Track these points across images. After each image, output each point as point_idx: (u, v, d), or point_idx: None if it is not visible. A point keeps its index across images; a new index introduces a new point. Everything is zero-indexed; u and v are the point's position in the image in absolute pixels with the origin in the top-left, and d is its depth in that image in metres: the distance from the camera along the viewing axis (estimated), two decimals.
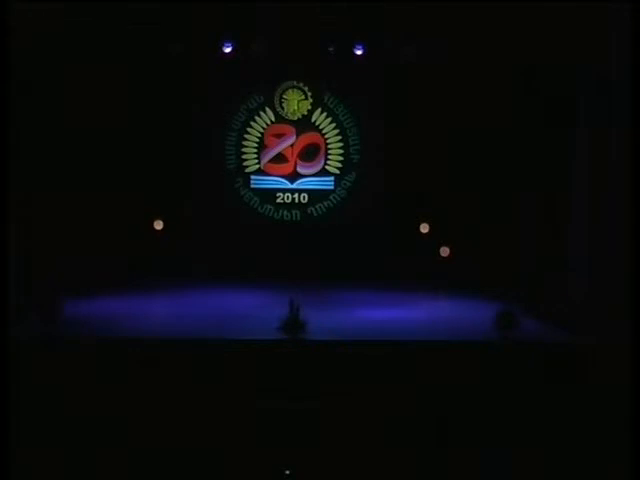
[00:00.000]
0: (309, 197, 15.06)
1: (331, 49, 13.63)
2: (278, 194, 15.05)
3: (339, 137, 15.00)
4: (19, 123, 10.33)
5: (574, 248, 11.78)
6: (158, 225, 14.48)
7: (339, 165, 15.06)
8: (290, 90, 14.92)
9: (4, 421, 6.63)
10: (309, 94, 14.94)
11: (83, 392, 8.49)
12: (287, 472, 7.29)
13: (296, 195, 15.04)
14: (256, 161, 15.04)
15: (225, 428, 7.86)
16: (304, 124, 14.94)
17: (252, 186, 15.05)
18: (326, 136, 15.00)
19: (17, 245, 10.49)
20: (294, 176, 15.01)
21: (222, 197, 14.92)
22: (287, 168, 15.01)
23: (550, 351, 9.62)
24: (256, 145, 15.02)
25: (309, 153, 14.99)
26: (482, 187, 13.91)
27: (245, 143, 15.01)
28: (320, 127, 14.98)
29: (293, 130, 14.96)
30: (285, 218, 15.09)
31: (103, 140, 13.62)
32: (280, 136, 14.99)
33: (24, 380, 8.30)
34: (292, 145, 14.96)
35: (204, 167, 14.85)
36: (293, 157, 14.98)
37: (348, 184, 15.06)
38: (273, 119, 14.98)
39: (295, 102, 14.93)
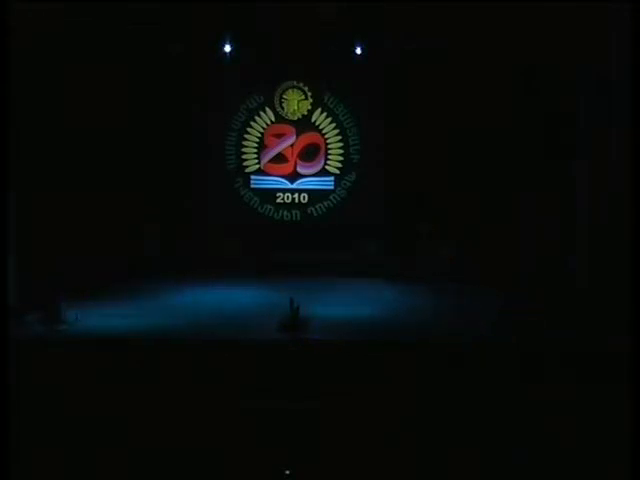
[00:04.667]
0: (309, 197, 15.06)
1: (332, 47, 13.65)
2: (278, 194, 15.05)
3: (339, 137, 15.00)
4: (19, 123, 10.33)
5: (574, 248, 11.80)
6: (158, 226, 14.48)
7: (339, 165, 15.06)
8: (290, 90, 14.92)
9: (4, 421, 6.63)
10: (309, 94, 14.94)
11: (83, 392, 8.49)
12: (287, 472, 7.29)
13: (296, 195, 15.04)
14: (256, 161, 15.04)
15: (225, 428, 7.86)
16: (304, 124, 14.94)
17: (252, 186, 15.05)
18: (326, 136, 15.00)
19: (17, 245, 10.49)
20: (294, 176, 15.01)
21: (222, 197, 14.93)
22: (287, 168, 15.01)
23: (550, 351, 9.61)
24: (256, 145, 15.02)
25: (309, 153, 14.99)
26: (482, 187, 13.91)
27: (245, 143, 15.02)
28: (320, 127, 14.98)
29: (293, 130, 14.95)
30: (285, 218, 15.08)
31: (103, 140, 13.62)
32: (280, 136, 14.99)
33: (24, 380, 8.30)
34: (292, 145, 14.96)
35: (204, 167, 14.85)
36: (293, 157, 14.98)
37: (348, 184, 15.06)
38: (273, 119, 14.98)
39: (295, 102, 14.92)
